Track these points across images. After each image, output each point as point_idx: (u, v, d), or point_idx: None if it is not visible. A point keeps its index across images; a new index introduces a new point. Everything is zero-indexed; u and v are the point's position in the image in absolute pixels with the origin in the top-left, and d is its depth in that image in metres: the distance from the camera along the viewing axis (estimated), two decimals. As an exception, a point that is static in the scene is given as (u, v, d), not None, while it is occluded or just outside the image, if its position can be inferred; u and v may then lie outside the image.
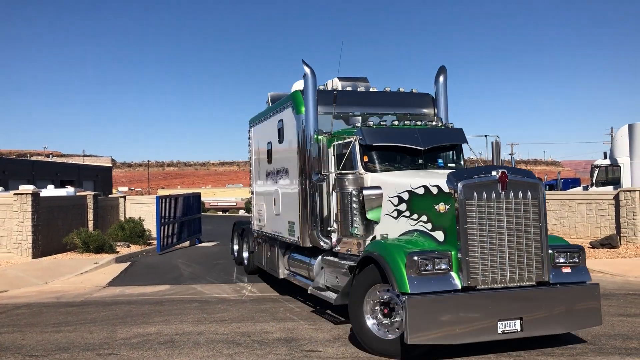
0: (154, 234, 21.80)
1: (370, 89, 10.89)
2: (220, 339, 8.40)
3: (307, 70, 9.79)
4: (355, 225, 8.48)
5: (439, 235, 7.28)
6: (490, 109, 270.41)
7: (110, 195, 34.48)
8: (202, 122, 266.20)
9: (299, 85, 11.09)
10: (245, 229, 14.91)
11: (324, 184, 9.63)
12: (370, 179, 8.74)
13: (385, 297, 7.39)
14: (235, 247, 16.46)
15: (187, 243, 23.91)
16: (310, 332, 8.70)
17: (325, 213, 9.70)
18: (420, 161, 9.22)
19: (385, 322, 7.35)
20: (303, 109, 9.88)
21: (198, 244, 24.59)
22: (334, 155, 9.46)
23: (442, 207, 7.23)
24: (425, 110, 10.74)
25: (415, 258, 6.79)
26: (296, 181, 10.26)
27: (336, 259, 9.30)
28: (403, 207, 7.99)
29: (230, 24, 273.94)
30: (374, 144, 8.97)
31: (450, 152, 9.65)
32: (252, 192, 14.10)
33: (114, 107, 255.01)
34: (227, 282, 14.05)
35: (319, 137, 9.61)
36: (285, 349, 7.74)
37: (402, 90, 10.92)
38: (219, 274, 15.49)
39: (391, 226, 8.16)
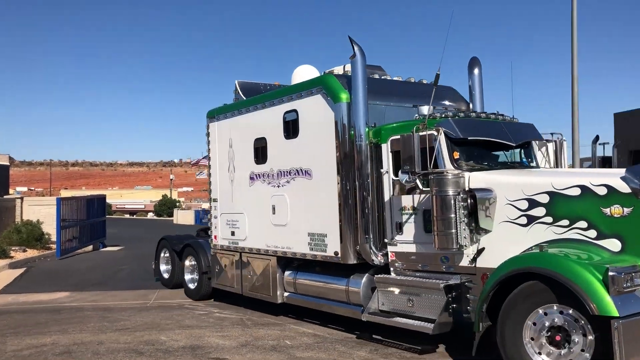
0: (54, 238, 20.78)
1: (395, 78, 9.74)
2: (122, 348, 8.07)
3: (356, 49, 8.32)
4: (464, 235, 7.04)
5: (613, 244, 6.30)
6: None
7: (6, 196, 32.43)
8: (109, 120, 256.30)
9: (303, 71, 10.10)
10: (192, 245, 12.33)
11: (370, 186, 8.36)
12: (472, 178, 7.31)
13: (547, 322, 6.10)
14: (164, 267, 13.59)
15: (90, 247, 23.13)
16: (217, 339, 8.54)
17: (375, 221, 8.47)
18: (509, 158, 8.27)
19: (562, 352, 5.99)
20: (344, 97, 8.45)
21: (102, 248, 23.83)
22: (391, 151, 8.10)
23: (616, 210, 6.26)
24: (453, 104, 9.71)
25: (614, 274, 5.67)
26: (332, 184, 8.70)
27: (409, 278, 7.88)
28: (539, 212, 6.81)
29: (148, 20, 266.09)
30: (468, 138, 7.63)
31: (521, 150, 8.58)
32: (213, 200, 11.65)
33: (13, 101, 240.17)
34: (132, 288, 13.54)
35: (369, 130, 8.40)
36: (191, 357, 7.55)
37: (424, 81, 9.77)
38: (124, 280, 14.94)
39: (516, 235, 6.91)
